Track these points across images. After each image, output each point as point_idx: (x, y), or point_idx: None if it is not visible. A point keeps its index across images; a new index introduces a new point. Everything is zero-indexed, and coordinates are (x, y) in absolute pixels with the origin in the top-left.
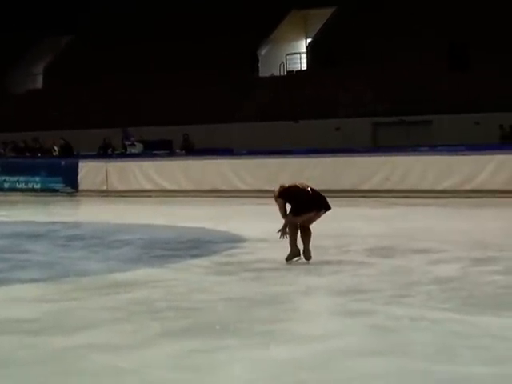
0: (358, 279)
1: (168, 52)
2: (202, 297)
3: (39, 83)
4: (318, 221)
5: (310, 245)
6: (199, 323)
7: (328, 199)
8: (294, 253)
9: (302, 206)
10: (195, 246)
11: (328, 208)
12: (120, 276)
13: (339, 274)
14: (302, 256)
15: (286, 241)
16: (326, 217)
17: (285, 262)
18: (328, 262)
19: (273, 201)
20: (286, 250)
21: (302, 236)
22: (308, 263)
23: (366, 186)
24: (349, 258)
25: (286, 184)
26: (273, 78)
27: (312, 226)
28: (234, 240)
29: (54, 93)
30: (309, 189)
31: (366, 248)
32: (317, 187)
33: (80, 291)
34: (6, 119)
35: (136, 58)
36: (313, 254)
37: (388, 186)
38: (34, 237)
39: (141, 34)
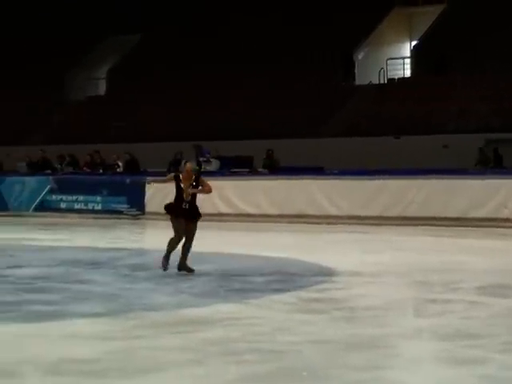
0: (468, 322)
1: (249, 53)
2: (286, 338)
3: (102, 89)
4: (422, 253)
5: None
6: (283, 368)
7: (431, 227)
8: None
9: (175, 207)
10: (279, 279)
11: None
12: (192, 312)
13: (446, 315)
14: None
15: (387, 275)
16: (431, 249)
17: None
18: (433, 301)
19: (368, 229)
20: (386, 285)
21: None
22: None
23: (478, 214)
24: (458, 296)
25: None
26: (371, 86)
27: (415, 259)
28: (324, 273)
29: (119, 100)
30: (187, 201)
31: (477, 286)
32: (420, 213)
33: (146, 328)
34: (63, 129)
35: (213, 58)
36: (414, 291)
37: (505, 214)
38: (94, 265)
39: (220, 32)
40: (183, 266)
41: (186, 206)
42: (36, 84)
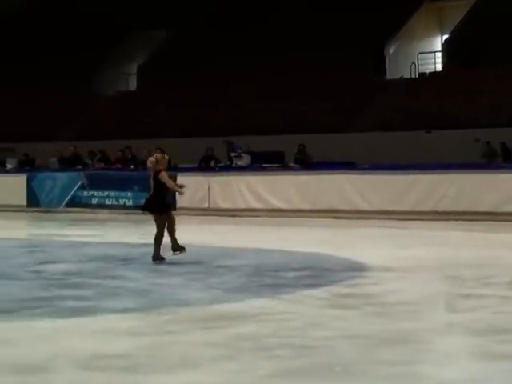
0: (501, 317)
1: (280, 48)
2: (318, 333)
3: (132, 85)
4: (454, 248)
5: None
6: (315, 364)
7: (463, 222)
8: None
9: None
10: (311, 274)
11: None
12: (224, 307)
13: (479, 310)
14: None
15: (418, 270)
16: (463, 244)
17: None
18: (466, 296)
19: (400, 223)
20: (417, 280)
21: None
22: None
23: (510, 209)
24: (490, 291)
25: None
26: (402, 80)
27: (447, 254)
28: (356, 268)
29: (149, 95)
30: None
31: (510, 280)
32: (452, 208)
33: (178, 324)
34: (93, 125)
35: (242, 52)
36: (446, 285)
37: None
38: (125, 261)
39: (248, 26)
40: (176, 247)
41: (167, 199)
42: (66, 79)
